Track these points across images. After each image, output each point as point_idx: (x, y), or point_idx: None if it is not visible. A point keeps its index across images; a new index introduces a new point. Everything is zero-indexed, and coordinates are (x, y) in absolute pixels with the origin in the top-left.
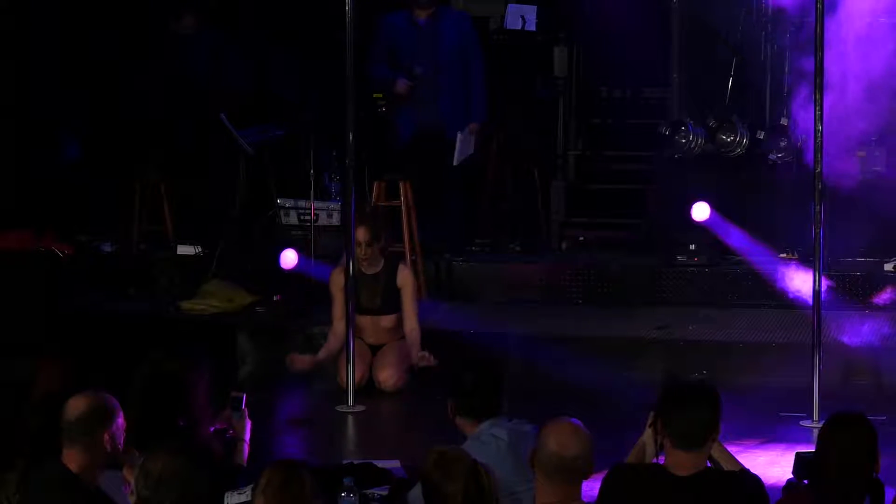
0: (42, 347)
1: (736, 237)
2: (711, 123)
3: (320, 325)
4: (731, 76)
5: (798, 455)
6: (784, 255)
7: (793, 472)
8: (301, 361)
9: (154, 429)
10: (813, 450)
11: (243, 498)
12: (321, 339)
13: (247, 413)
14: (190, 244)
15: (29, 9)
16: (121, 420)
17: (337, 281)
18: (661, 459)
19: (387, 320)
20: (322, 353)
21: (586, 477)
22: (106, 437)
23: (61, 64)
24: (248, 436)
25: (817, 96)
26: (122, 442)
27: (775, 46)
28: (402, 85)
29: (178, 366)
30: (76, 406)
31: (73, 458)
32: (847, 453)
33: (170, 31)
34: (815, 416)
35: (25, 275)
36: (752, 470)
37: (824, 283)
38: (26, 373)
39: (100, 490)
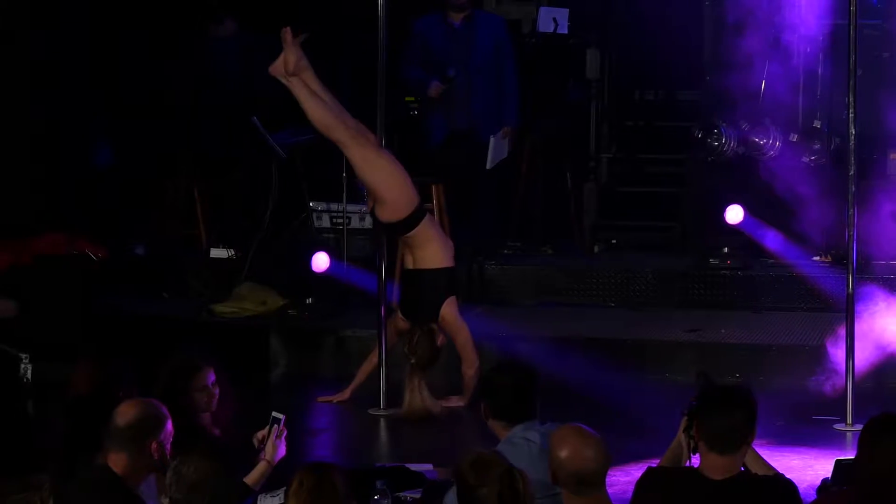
0: (77, 350)
1: (771, 239)
2: (744, 126)
3: (352, 328)
4: (763, 79)
5: (838, 462)
6: (818, 258)
7: (832, 480)
8: (328, 400)
9: (178, 433)
10: (851, 457)
11: (276, 501)
12: (353, 343)
13: (284, 436)
14: (223, 247)
15: (59, 13)
16: (170, 428)
17: (396, 324)
18: (695, 463)
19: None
20: (349, 392)
21: (606, 472)
22: (154, 445)
23: (92, 68)
24: (277, 459)
25: (850, 99)
26: (169, 450)
27: (808, 48)
28: (435, 87)
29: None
30: (126, 413)
31: (118, 463)
32: (890, 457)
33: (206, 34)
34: (849, 420)
35: (60, 278)
36: (786, 474)
37: None
38: (62, 375)
39: (139, 496)
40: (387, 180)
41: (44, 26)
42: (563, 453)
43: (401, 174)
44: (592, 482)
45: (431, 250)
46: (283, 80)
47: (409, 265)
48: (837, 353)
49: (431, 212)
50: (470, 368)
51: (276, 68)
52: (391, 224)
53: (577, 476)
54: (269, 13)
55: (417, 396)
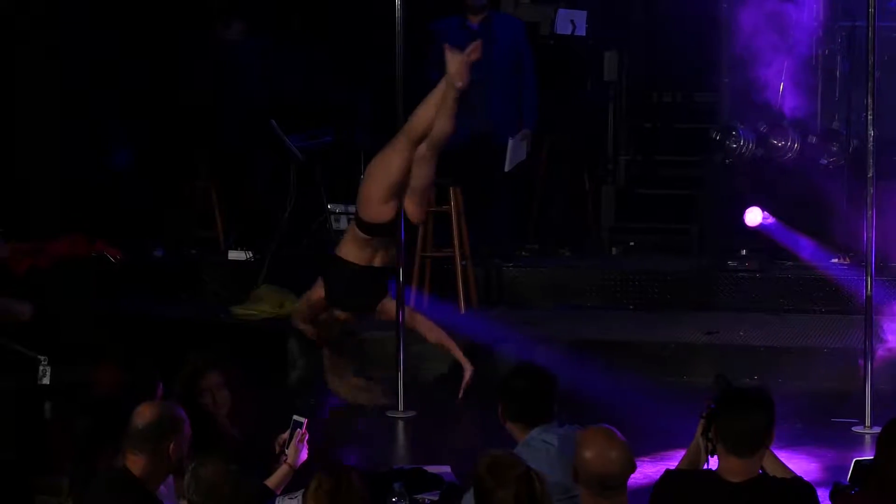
0: (99, 351)
1: (790, 241)
2: (762, 128)
3: (370, 331)
4: (781, 80)
5: (857, 462)
6: (836, 259)
7: (849, 480)
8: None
9: (196, 435)
10: (870, 457)
11: (294, 503)
12: (371, 345)
13: (306, 439)
14: (241, 249)
15: (76, 15)
16: (187, 430)
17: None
18: (712, 465)
19: None
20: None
21: (629, 474)
22: (171, 447)
23: (110, 69)
24: (298, 463)
25: (869, 101)
26: (186, 452)
27: (826, 50)
28: None
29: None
30: (144, 415)
31: (136, 465)
32: None
33: (218, 37)
34: (867, 422)
35: (78, 280)
36: (804, 476)
37: None
38: (80, 377)
39: (157, 498)
40: None
41: (63, 29)
42: (589, 454)
43: None
44: (614, 485)
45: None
46: (451, 87)
47: (377, 263)
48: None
49: (449, 214)
50: (432, 334)
51: (463, 76)
52: (415, 224)
53: (599, 477)
54: (286, 15)
55: (343, 385)
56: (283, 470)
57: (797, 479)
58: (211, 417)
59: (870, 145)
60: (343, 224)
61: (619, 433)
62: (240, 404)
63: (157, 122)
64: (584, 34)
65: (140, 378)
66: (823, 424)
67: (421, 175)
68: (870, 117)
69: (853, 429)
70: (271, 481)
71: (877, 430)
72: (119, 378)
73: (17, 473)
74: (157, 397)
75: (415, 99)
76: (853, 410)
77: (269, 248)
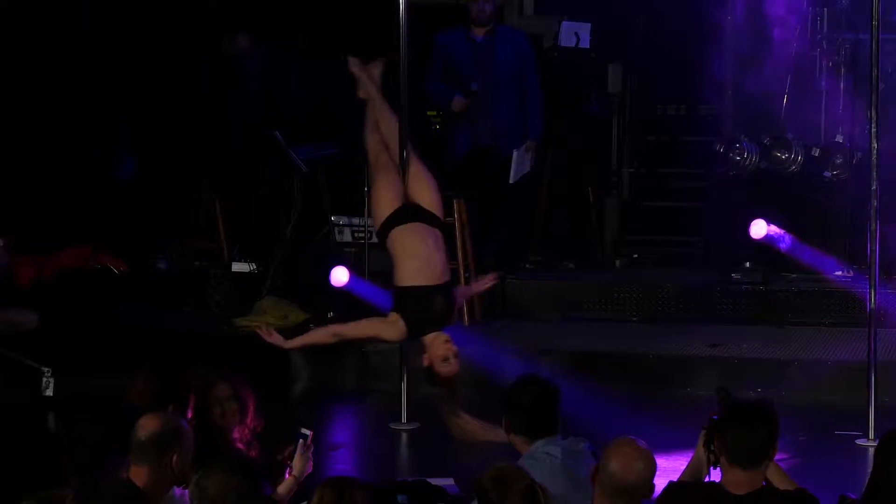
0: (97, 364)
1: (794, 253)
2: (766, 141)
3: (374, 342)
4: (785, 93)
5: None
6: (840, 272)
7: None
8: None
9: (202, 448)
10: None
11: None
12: (375, 357)
13: (311, 451)
14: (245, 261)
15: (86, 26)
16: (190, 442)
17: None
18: (714, 477)
19: None
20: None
21: (646, 497)
22: (175, 458)
23: (119, 81)
24: (304, 475)
25: (872, 113)
26: (190, 464)
27: (830, 63)
28: (458, 102)
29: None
30: (147, 426)
31: (139, 477)
32: None
33: (224, 50)
34: (871, 435)
35: (83, 292)
36: (807, 489)
37: None
38: (84, 389)
39: None
40: None
41: (65, 36)
42: (615, 462)
43: None
44: (633, 495)
45: None
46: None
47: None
48: None
49: (453, 227)
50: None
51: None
52: None
53: (621, 486)
54: (292, 28)
55: (456, 425)
56: (287, 482)
57: (802, 492)
58: (219, 430)
59: (873, 158)
60: (347, 236)
61: (646, 447)
62: (250, 416)
63: (161, 133)
64: (588, 47)
65: (174, 389)
66: (827, 437)
67: None
68: (873, 130)
69: (857, 441)
70: (276, 493)
71: None
72: (154, 388)
73: (17, 485)
74: (189, 408)
75: (418, 110)
76: (857, 423)
77: (273, 259)
